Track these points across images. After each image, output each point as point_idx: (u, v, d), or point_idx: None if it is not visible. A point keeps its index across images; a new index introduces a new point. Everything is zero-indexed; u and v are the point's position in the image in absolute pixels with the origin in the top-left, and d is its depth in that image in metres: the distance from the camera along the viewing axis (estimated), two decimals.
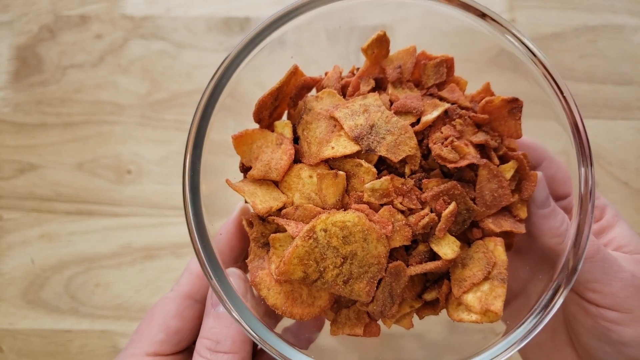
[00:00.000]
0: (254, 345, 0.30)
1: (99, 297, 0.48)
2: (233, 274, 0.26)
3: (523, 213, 0.28)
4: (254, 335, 0.25)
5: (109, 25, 0.52)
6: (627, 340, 0.31)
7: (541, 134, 0.31)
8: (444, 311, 0.28)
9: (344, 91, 0.29)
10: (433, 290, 0.27)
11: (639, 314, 0.30)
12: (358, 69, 0.30)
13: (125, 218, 0.49)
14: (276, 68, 0.29)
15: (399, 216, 0.25)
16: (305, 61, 0.42)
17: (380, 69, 0.29)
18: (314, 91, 0.31)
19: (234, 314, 0.24)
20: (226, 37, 0.52)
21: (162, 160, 0.50)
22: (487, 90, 0.29)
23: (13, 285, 0.49)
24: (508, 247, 0.28)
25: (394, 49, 0.29)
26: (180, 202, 0.49)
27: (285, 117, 0.30)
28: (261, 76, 0.30)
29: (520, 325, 0.25)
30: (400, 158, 0.25)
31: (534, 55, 0.26)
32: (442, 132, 0.27)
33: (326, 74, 0.30)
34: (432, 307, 0.28)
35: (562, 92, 0.26)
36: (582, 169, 0.26)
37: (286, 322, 0.29)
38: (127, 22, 0.52)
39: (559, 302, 0.25)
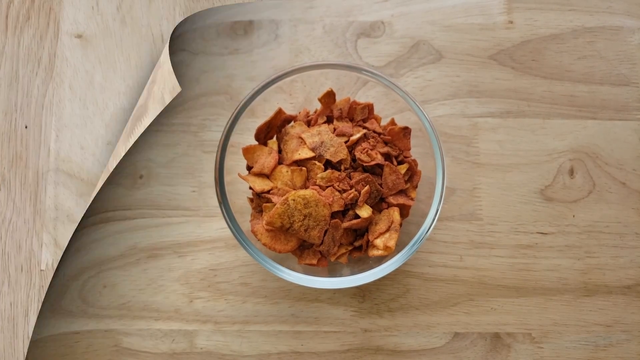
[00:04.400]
0: None
1: (105, 297, 0.50)
2: None
3: (413, 194, 0.57)
4: (245, 246, 0.54)
5: None
6: None
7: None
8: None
9: (309, 122, 0.58)
10: (360, 240, 0.56)
11: None
12: (317, 110, 0.60)
13: (134, 220, 0.51)
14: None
15: (337, 193, 0.53)
16: (298, 49, 0.55)
17: (330, 110, 0.58)
18: (292, 122, 0.62)
19: (237, 237, 0.55)
20: (231, 41, 0.53)
21: (168, 162, 0.51)
22: (392, 122, 0.59)
23: None
24: (404, 215, 0.57)
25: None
26: (181, 202, 0.52)
27: (275, 138, 0.61)
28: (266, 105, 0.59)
29: (399, 253, 0.54)
30: (338, 160, 0.54)
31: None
32: (362, 146, 0.54)
33: (299, 113, 0.60)
34: (359, 250, 0.57)
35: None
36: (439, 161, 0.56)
37: None
38: None
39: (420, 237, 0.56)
